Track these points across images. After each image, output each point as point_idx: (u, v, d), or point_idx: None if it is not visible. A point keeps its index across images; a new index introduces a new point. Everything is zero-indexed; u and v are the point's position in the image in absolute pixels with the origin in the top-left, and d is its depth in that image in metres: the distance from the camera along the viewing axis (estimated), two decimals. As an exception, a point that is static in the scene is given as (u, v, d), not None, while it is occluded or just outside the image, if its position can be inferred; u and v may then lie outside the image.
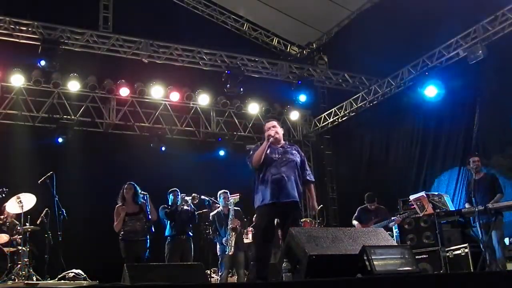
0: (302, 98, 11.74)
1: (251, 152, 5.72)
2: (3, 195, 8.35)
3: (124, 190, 7.64)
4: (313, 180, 5.84)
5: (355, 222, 8.80)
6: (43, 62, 9.78)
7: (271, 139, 5.59)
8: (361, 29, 11.14)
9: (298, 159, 5.66)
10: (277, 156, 5.56)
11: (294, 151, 5.72)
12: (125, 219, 7.48)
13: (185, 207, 8.28)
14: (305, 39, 13.13)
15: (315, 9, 11.76)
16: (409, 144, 11.45)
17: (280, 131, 5.78)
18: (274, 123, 5.82)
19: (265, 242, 5.47)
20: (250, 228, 9.40)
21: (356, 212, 8.93)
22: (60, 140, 10.44)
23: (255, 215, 9.08)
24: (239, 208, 8.50)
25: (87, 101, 10.97)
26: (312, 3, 11.60)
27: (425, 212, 7.28)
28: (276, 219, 5.52)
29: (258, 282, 5.13)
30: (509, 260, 7.41)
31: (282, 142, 5.76)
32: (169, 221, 8.20)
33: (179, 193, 8.32)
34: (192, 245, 8.21)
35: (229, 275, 8.55)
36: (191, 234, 8.25)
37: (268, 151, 5.56)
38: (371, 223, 8.53)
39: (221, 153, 12.10)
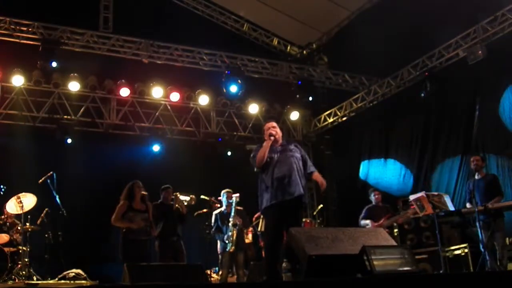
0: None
1: (253, 154, 5.74)
2: (1, 193, 8.36)
3: (135, 188, 7.44)
4: (315, 170, 5.86)
5: (366, 221, 8.56)
6: (54, 64, 9.78)
7: (272, 137, 5.63)
8: (361, 29, 11.14)
9: (298, 154, 5.69)
10: (276, 155, 5.60)
11: (292, 147, 5.77)
12: (130, 215, 7.33)
13: (177, 206, 8.06)
14: (305, 39, 13.14)
15: (315, 9, 11.77)
16: (409, 144, 11.45)
17: (279, 132, 5.83)
18: (274, 123, 5.88)
19: (275, 244, 5.40)
20: (250, 228, 9.41)
21: (364, 212, 8.74)
22: (68, 141, 10.41)
23: (257, 216, 9.16)
24: (242, 208, 8.50)
25: (88, 101, 10.95)
26: (312, 3, 11.60)
27: (425, 212, 7.27)
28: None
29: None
30: (509, 260, 7.40)
31: (280, 141, 5.82)
32: (160, 221, 8.00)
33: (171, 191, 8.06)
34: (183, 245, 8.00)
35: (229, 275, 8.55)
36: (181, 234, 7.92)
37: (267, 152, 5.59)
38: (384, 220, 8.41)
39: (229, 153, 12.02)
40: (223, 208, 8.41)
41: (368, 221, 8.55)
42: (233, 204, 8.26)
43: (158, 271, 5.90)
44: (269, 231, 5.57)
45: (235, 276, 8.52)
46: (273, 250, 5.38)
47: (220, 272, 8.19)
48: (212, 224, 8.43)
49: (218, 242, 8.30)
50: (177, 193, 7.98)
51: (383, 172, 11.91)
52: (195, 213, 8.60)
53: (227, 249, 8.01)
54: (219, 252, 8.25)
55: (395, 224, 8.90)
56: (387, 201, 9.28)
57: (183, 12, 12.26)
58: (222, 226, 8.22)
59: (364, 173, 12.40)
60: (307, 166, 5.78)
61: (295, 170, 5.57)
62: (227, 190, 8.46)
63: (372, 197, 8.81)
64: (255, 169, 5.68)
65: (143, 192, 7.54)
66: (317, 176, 5.84)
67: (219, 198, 8.66)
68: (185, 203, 7.95)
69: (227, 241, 8.04)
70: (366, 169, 12.38)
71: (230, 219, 8.15)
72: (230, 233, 8.06)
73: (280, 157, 5.59)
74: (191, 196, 8.10)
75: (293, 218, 5.46)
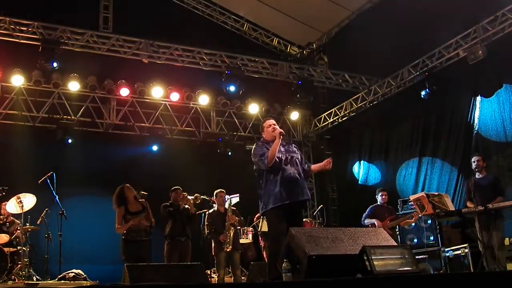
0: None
1: (257, 153, 5.55)
2: (3, 193, 8.36)
3: (125, 191, 7.46)
4: (309, 164, 5.95)
5: (372, 220, 8.33)
6: (55, 64, 9.81)
7: (282, 136, 5.55)
8: (361, 29, 11.14)
9: (298, 156, 5.68)
10: (282, 155, 5.52)
11: (294, 148, 5.74)
12: (128, 218, 7.34)
13: (186, 206, 8.08)
14: (305, 39, 13.13)
15: (315, 9, 11.76)
16: (409, 144, 11.45)
17: None
18: (274, 121, 5.83)
19: (280, 245, 5.19)
20: (250, 228, 9.40)
21: (368, 211, 8.53)
22: (69, 141, 10.41)
23: (257, 216, 9.14)
24: (235, 208, 8.49)
25: (87, 101, 10.95)
26: (312, 3, 11.59)
27: (425, 212, 7.26)
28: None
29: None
30: (509, 260, 7.40)
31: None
32: (169, 221, 8.04)
33: (180, 191, 8.13)
34: (190, 246, 8.07)
35: (229, 275, 8.53)
36: (190, 235, 8.05)
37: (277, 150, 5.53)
38: (387, 221, 8.30)
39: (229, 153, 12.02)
40: (215, 208, 8.41)
41: (374, 220, 8.33)
42: (225, 204, 8.26)
43: (158, 271, 5.91)
44: (275, 233, 5.40)
45: (233, 278, 8.50)
46: (278, 251, 5.26)
47: (217, 274, 8.17)
48: (206, 224, 8.37)
49: (213, 242, 8.25)
50: (185, 193, 8.03)
51: (383, 172, 11.92)
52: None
53: (224, 248, 7.99)
54: (213, 253, 8.20)
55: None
56: (388, 202, 9.27)
57: (183, 12, 12.26)
58: (217, 226, 8.19)
59: (364, 173, 12.40)
60: (302, 164, 5.75)
61: (301, 172, 5.54)
62: (220, 190, 8.48)
63: (379, 197, 8.67)
64: (265, 168, 5.45)
65: (143, 192, 7.54)
66: (315, 166, 5.81)
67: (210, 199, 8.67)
68: (191, 201, 8.01)
69: (223, 241, 8.03)
70: (366, 169, 12.38)
71: (226, 218, 8.15)
72: (227, 233, 8.05)
73: (286, 158, 5.51)
74: (196, 195, 8.15)
75: (297, 218, 5.45)
